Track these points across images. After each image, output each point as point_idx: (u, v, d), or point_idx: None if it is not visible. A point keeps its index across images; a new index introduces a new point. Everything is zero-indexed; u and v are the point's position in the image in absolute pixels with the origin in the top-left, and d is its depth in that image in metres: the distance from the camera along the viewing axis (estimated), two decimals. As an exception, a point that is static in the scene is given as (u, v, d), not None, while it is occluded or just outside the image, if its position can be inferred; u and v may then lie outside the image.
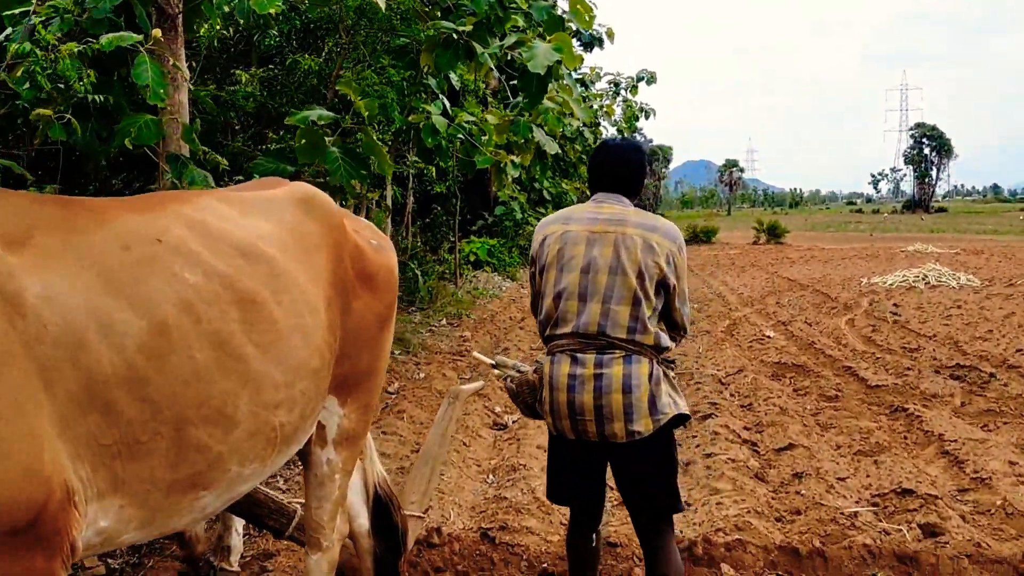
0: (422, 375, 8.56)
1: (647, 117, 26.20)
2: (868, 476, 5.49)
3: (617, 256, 2.92)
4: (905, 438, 6.49)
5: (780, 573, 3.88)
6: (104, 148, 6.34)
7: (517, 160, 9.65)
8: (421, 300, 12.64)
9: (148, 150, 6.11)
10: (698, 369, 9.09)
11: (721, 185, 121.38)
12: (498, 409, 7.27)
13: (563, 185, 23.76)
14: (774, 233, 39.28)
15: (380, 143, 7.30)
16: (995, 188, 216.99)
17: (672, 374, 3.08)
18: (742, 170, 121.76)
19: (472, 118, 10.00)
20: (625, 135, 33.69)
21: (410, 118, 9.90)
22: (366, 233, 2.75)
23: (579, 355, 2.93)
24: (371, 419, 2.85)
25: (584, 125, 21.69)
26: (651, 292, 2.92)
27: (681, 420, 3.06)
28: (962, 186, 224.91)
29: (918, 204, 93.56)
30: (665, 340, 2.99)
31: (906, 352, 10.14)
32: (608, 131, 30.07)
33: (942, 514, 4.62)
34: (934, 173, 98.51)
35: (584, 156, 24.17)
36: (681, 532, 4.54)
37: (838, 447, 6.19)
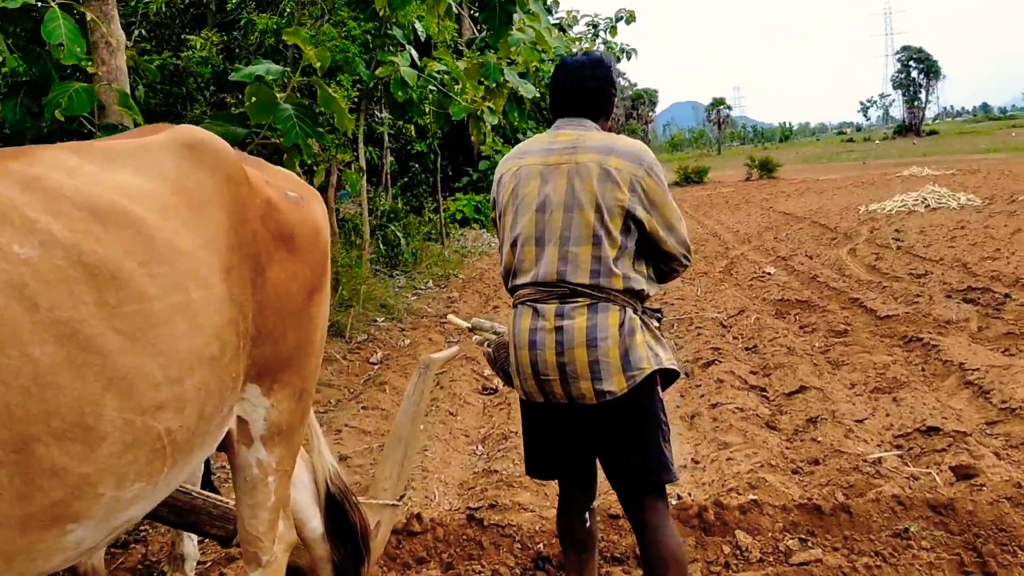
0: (407, 342, 8.11)
1: (628, 58, 25.49)
2: (888, 416, 5.06)
3: (571, 189, 2.49)
4: (923, 370, 6.06)
5: (802, 536, 3.45)
6: (36, 124, 5.81)
7: (493, 106, 9.14)
8: (405, 263, 12.15)
9: (84, 121, 5.60)
10: (698, 313, 8.64)
11: (709, 125, 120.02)
12: (487, 372, 6.82)
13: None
14: (766, 168, 38.72)
15: (339, 98, 6.76)
16: (985, 107, 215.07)
17: (655, 324, 2.61)
18: (729, 108, 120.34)
19: (443, 67, 9.45)
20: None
21: (377, 72, 9.35)
22: (281, 183, 2.26)
23: (539, 306, 2.52)
24: (309, 406, 2.39)
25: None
26: (614, 228, 2.46)
27: (669, 377, 2.60)
28: (952, 107, 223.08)
29: (909, 128, 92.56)
30: (640, 283, 2.52)
31: (914, 278, 9.69)
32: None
33: (974, 452, 4.20)
34: (923, 96, 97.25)
35: (566, 102, 23.54)
36: (690, 495, 4.13)
37: (852, 386, 5.76)
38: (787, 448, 4.74)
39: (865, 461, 4.24)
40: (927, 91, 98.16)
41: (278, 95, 6.11)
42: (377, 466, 3.34)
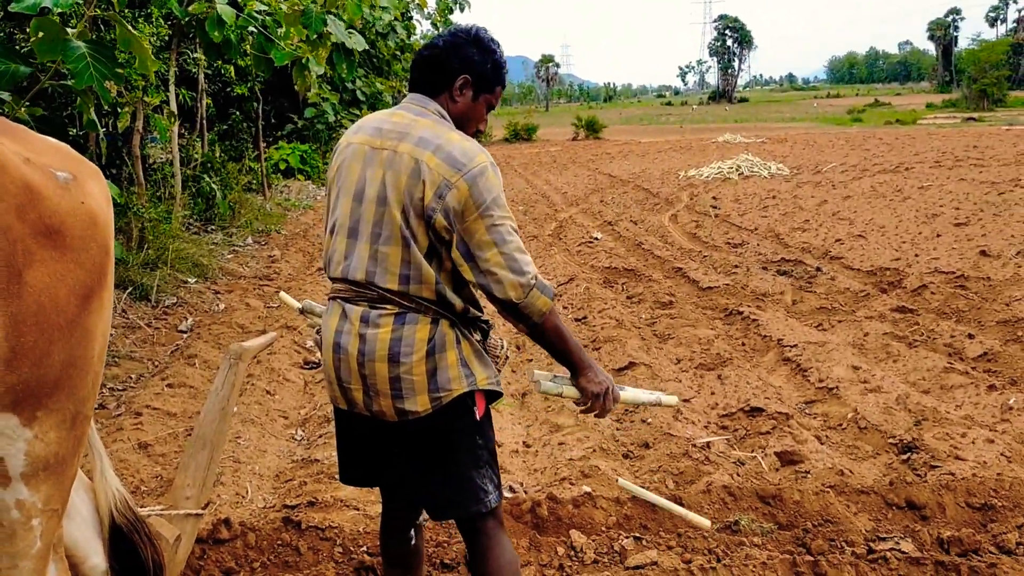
0: (222, 306, 7.52)
1: (462, 9, 25.07)
2: (714, 394, 5.12)
3: (384, 181, 2.18)
4: (743, 344, 6.21)
5: (636, 533, 3.36)
6: None
7: (322, 55, 8.56)
8: (221, 217, 11.34)
9: None
10: (528, 280, 8.54)
11: (538, 81, 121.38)
12: (310, 343, 6.41)
13: (377, 85, 22.34)
14: (592, 128, 39.56)
15: (142, 35, 6.03)
16: (790, 77, 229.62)
17: (477, 337, 2.30)
18: (558, 65, 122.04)
19: (265, 7, 8.74)
20: (440, 28, 32.31)
21: (191, 8, 8.53)
22: (47, 160, 1.81)
23: (348, 306, 2.23)
24: (85, 431, 1.98)
25: (396, 19, 20.33)
26: (419, 232, 2.15)
27: (490, 397, 2.33)
28: (761, 76, 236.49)
29: (722, 95, 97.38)
30: (455, 298, 2.21)
31: (731, 248, 10.03)
32: (421, 25, 28.49)
33: (797, 436, 4.28)
34: (736, 64, 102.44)
35: (398, 53, 22.82)
36: (523, 485, 3.97)
37: (679, 361, 5.81)
38: (618, 429, 4.69)
39: (694, 446, 4.23)
40: (740, 59, 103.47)
41: (71, 30, 5.37)
42: (178, 471, 2.94)
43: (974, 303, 6.80)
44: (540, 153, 30.68)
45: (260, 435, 4.60)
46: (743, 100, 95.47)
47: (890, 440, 4.25)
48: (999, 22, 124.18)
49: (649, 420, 4.69)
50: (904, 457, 4.06)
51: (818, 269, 8.37)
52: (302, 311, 2.86)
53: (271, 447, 4.51)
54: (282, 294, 3.44)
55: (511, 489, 3.88)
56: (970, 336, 5.89)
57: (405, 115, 2.28)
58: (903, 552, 3.09)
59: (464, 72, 2.28)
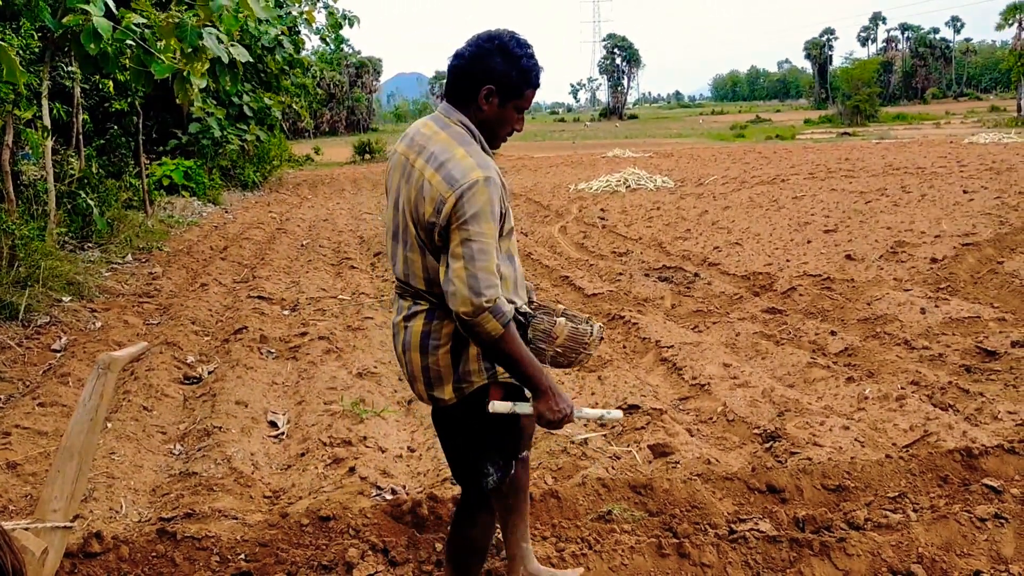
0: (98, 324, 7.28)
1: (351, 25, 24.94)
2: (594, 394, 5.28)
3: (405, 194, 2.39)
4: (624, 346, 6.42)
5: (514, 527, 3.45)
6: None
7: (199, 68, 8.41)
8: (99, 234, 10.96)
9: None
10: (417, 291, 8.59)
11: (433, 98, 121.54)
12: (191, 359, 6.29)
13: (266, 99, 21.98)
14: (486, 144, 39.79)
15: (8, 47, 5.84)
16: (677, 95, 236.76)
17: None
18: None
19: (144, 20, 8.54)
20: (330, 44, 31.96)
21: (65, 20, 8.26)
22: None
23: (400, 301, 2.51)
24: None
25: (283, 34, 20.08)
26: (428, 241, 2.33)
27: (513, 392, 2.43)
28: (650, 93, 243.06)
29: (613, 112, 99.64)
30: None
31: (616, 257, 10.33)
32: (311, 40, 28.19)
33: (669, 430, 4.47)
34: (625, 82, 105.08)
35: (287, 68, 22.51)
36: (404, 488, 4.02)
37: (562, 365, 5.96)
38: (501, 431, 4.77)
39: (573, 442, 4.37)
40: (629, 77, 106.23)
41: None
42: (44, 484, 2.87)
43: (838, 303, 7.22)
44: (434, 168, 30.70)
45: (136, 450, 4.50)
46: (633, 117, 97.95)
47: (755, 430, 4.49)
48: (870, 41, 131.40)
49: (531, 421, 4.80)
50: (767, 445, 4.30)
51: (696, 275, 8.72)
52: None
53: (148, 462, 4.41)
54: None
55: (393, 491, 3.92)
56: (833, 333, 6.26)
57: (432, 126, 2.42)
58: (761, 531, 3.28)
59: (488, 82, 2.34)
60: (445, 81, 2.45)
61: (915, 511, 3.46)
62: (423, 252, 2.34)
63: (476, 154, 2.31)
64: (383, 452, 4.49)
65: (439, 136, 2.37)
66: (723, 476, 3.83)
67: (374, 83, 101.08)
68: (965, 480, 3.74)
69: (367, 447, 4.51)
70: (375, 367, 5.94)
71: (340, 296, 8.54)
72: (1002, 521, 3.21)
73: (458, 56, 2.38)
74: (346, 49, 78.69)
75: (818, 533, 3.29)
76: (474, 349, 2.37)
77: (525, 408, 2.38)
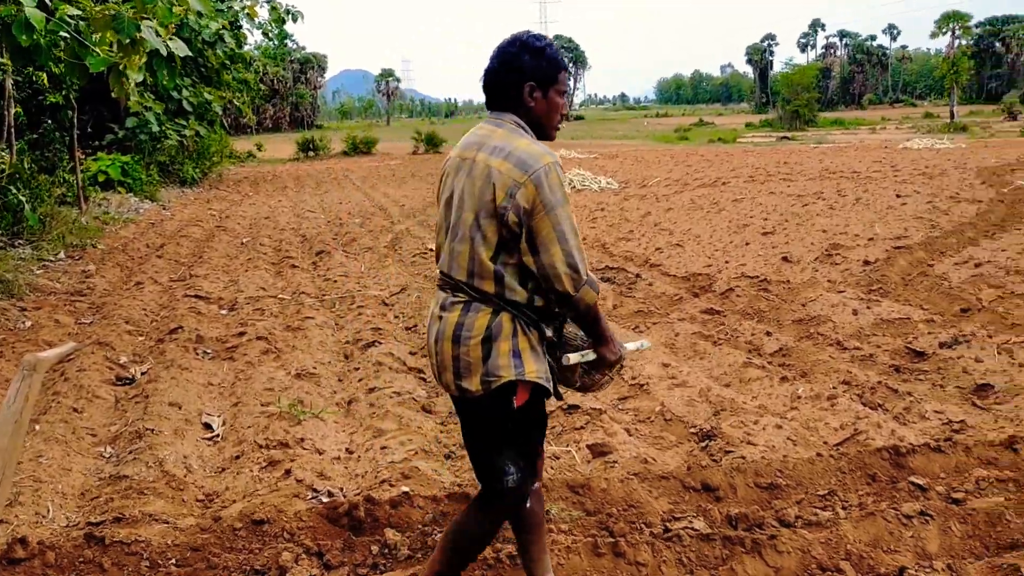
0: (27, 323, 7.07)
1: (295, 20, 24.64)
2: (535, 394, 5.29)
3: (463, 187, 2.52)
4: (566, 348, 6.44)
5: (451, 528, 3.45)
6: None
7: (137, 62, 8.22)
8: (30, 231, 10.65)
9: None
10: (360, 291, 8.52)
11: (379, 95, 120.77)
12: (123, 359, 6.15)
13: (206, 94, 21.57)
14: (432, 143, 39.83)
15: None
16: (623, 97, 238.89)
17: (549, 332, 2.56)
18: (399, 80, 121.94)
19: (78, 12, 8.31)
20: (273, 39, 31.54)
21: (-6, 11, 8.00)
22: None
23: (439, 292, 2.62)
24: None
25: (224, 28, 19.73)
26: (489, 232, 2.44)
27: (540, 391, 2.53)
28: (596, 95, 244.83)
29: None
30: (517, 294, 2.46)
31: (560, 257, 10.36)
32: (253, 35, 27.80)
33: (608, 430, 4.50)
34: (572, 83, 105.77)
35: (227, 62, 22.13)
36: (342, 490, 3.98)
37: (504, 365, 5.97)
38: (442, 432, 4.77)
39: (513, 443, 4.37)
40: (576, 79, 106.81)
41: None
42: (-36, 489, 2.77)
43: (774, 304, 7.36)
44: (380, 167, 30.53)
45: (65, 453, 4.38)
46: (579, 118, 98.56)
47: (691, 430, 4.56)
48: (809, 47, 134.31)
49: (471, 422, 4.80)
50: (703, 444, 4.36)
51: (638, 276, 8.80)
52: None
53: (77, 465, 4.30)
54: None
55: (329, 494, 3.88)
56: (768, 334, 6.37)
57: (487, 128, 2.57)
58: (695, 530, 3.32)
59: (527, 80, 2.52)
60: (486, 96, 2.61)
61: (844, 509, 3.54)
62: (472, 243, 2.45)
63: (537, 143, 2.50)
64: (320, 454, 4.44)
65: (497, 132, 2.53)
66: (660, 475, 3.88)
67: (319, 79, 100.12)
68: (893, 478, 3.84)
69: (304, 449, 4.46)
70: (314, 368, 5.87)
71: (280, 296, 8.43)
72: (927, 518, 3.30)
73: (490, 72, 2.57)
74: (290, 44, 77.52)
75: (750, 531, 3.34)
76: (505, 344, 2.45)
77: (590, 355, 2.62)
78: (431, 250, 11.09)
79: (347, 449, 4.57)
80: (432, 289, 8.50)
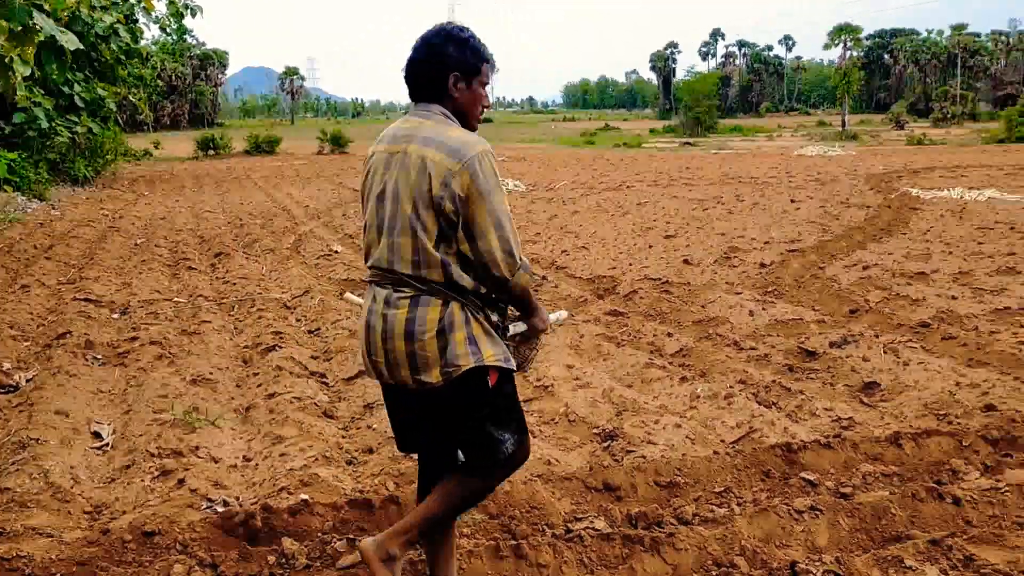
0: (-101, 330, 6.65)
1: (193, 15, 23.91)
2: (439, 397, 5.27)
3: (397, 180, 2.52)
4: (471, 350, 6.43)
5: (352, 535, 3.39)
6: None
7: (28, 52, 7.84)
8: (-98, 231, 10.02)
9: None
10: (261, 294, 8.32)
11: (283, 94, 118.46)
12: (7, 366, 5.84)
13: (99, 90, 20.73)
14: (338, 143, 39.27)
15: None
16: (531, 100, 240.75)
17: (495, 318, 2.62)
18: (303, 79, 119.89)
19: (-43, -1, 7.87)
20: (173, 35, 30.53)
21: None
22: None
23: (377, 289, 2.59)
24: None
25: (119, 22, 19.01)
26: (429, 222, 2.46)
27: (505, 374, 2.60)
28: (504, 98, 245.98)
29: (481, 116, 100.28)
30: (464, 278, 2.49)
31: (467, 260, 10.35)
32: (150, 29, 26.87)
33: (512, 432, 4.50)
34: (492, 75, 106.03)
35: (122, 57, 21.33)
36: (239, 499, 3.86)
37: (408, 368, 5.92)
38: (343, 437, 4.69)
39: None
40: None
41: None
42: None
43: (675, 306, 7.52)
44: (283, 167, 29.93)
45: (-62, 467, 4.13)
46: (487, 120, 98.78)
47: (594, 430, 4.61)
48: (710, 56, 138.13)
49: (375, 426, 4.74)
50: (605, 445, 4.41)
51: (544, 278, 8.87)
52: None
53: (-49, 480, 4.05)
54: (347, 294, 3.53)
55: (224, 503, 3.77)
56: (670, 335, 6.51)
57: (413, 120, 2.58)
58: (596, 530, 3.36)
59: (451, 70, 2.55)
60: (407, 84, 2.63)
61: (739, 505, 3.64)
62: (414, 234, 2.45)
63: (467, 132, 2.54)
64: (216, 462, 4.31)
65: (427, 124, 2.54)
66: (563, 476, 3.91)
67: (219, 76, 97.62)
68: (785, 474, 3.96)
69: (199, 457, 4.32)
70: (211, 373, 5.70)
71: (176, 299, 8.15)
72: (817, 513, 3.42)
73: (413, 62, 2.59)
74: (189, 40, 75.33)
75: (650, 529, 3.40)
76: (460, 334, 2.48)
77: (521, 327, 2.74)
78: (336, 252, 10.93)
79: (244, 457, 4.45)
80: (335, 292, 8.38)
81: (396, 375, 2.54)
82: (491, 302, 2.60)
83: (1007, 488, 3.58)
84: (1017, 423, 4.37)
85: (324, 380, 5.69)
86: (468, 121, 2.63)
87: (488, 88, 2.72)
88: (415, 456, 4.23)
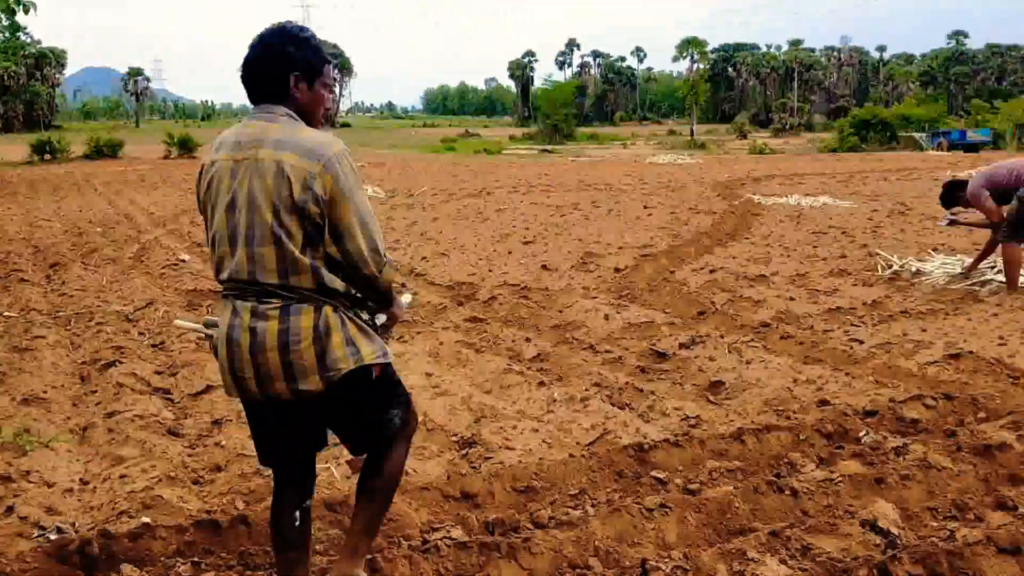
0: None
1: (27, 11, 22.47)
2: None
3: (252, 188, 2.41)
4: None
5: (196, 558, 3.24)
6: None
7: None
8: None
9: None
10: (100, 306, 7.86)
11: (127, 95, 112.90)
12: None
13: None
14: (186, 147, 37.85)
15: None
16: (391, 106, 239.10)
17: (365, 316, 2.61)
18: (148, 80, 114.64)
19: None
20: (4, 32, 28.52)
21: None
22: None
23: (238, 303, 2.48)
24: None
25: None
26: (293, 228, 2.39)
27: (385, 365, 2.64)
28: (363, 103, 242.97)
29: (325, 120, 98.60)
30: (335, 281, 2.47)
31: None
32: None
33: (368, 443, 4.43)
34: (338, 90, 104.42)
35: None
36: (75, 526, 3.62)
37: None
38: (189, 456, 4.48)
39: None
40: (341, 86, 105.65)
41: None
42: None
43: (534, 311, 7.61)
44: (127, 171, 28.49)
45: None
46: (345, 125, 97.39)
47: (453, 438, 4.60)
48: (567, 65, 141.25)
49: (224, 443, 4.56)
50: (463, 452, 4.41)
51: (403, 286, 8.80)
52: (207, 325, 2.81)
53: None
54: (177, 321, 3.35)
55: (59, 530, 3.52)
56: (528, 340, 6.58)
57: (257, 124, 2.47)
58: (453, 539, 3.33)
59: (292, 71, 2.49)
60: (245, 87, 2.54)
61: (593, 506, 3.70)
62: (278, 242, 2.38)
63: (319, 132, 2.51)
64: (50, 487, 4.03)
65: (272, 127, 2.46)
66: (420, 486, 3.86)
67: (57, 76, 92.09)
68: (637, 473, 4.07)
69: (30, 482, 4.03)
70: (45, 392, 5.33)
71: (6, 313, 7.59)
72: (667, 510, 3.52)
73: (252, 61, 2.51)
74: (23, 37, 70.62)
75: (506, 535, 3.40)
76: (337, 337, 2.46)
77: (382, 318, 2.76)
78: (184, 261, 10.48)
79: (82, 480, 4.17)
80: (182, 303, 8.03)
81: (269, 388, 2.48)
82: (359, 301, 2.60)
83: (840, 479, 3.80)
84: (848, 416, 4.66)
85: (169, 396, 5.43)
86: (311, 123, 2.57)
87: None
88: (267, 472, 4.11)
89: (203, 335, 2.91)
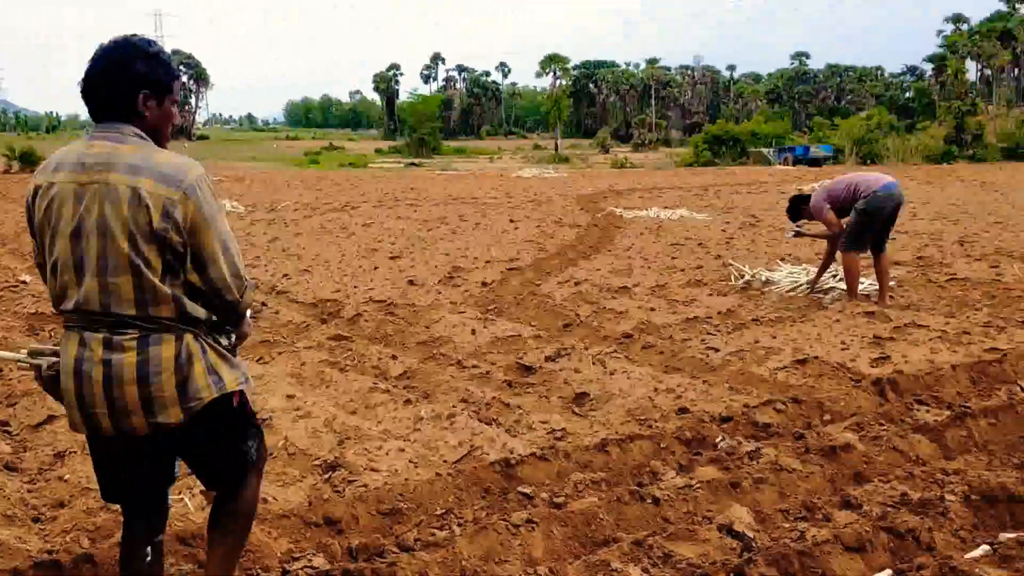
0: None
1: None
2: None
3: (104, 215, 2.27)
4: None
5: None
6: None
7: None
8: None
9: None
10: (-74, 333, 7.24)
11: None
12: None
13: None
14: (29, 160, 35.64)
15: None
16: (251, 118, 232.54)
17: (225, 341, 2.55)
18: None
19: None
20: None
21: None
22: None
23: (86, 334, 2.34)
24: None
25: None
26: (152, 256, 2.29)
27: (243, 399, 2.60)
28: (221, 114, 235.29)
29: (181, 132, 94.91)
30: (197, 309, 2.39)
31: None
32: None
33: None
34: (193, 101, 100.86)
35: None
36: None
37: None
38: (29, 492, 4.17)
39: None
40: (198, 97, 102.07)
41: None
42: None
43: (400, 327, 7.53)
44: (-40, 186, 26.48)
45: None
46: (203, 138, 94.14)
47: (315, 462, 4.46)
48: (432, 79, 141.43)
49: (67, 477, 4.27)
50: (326, 476, 4.28)
51: (264, 304, 8.53)
52: (30, 355, 2.61)
53: None
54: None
55: None
56: (394, 357, 6.50)
57: (104, 144, 2.32)
58: (315, 567, 3.24)
59: (141, 89, 2.36)
60: (89, 106, 2.41)
61: (460, 525, 3.67)
62: (136, 272, 2.28)
63: (174, 154, 2.39)
64: None
65: (123, 149, 2.33)
66: (280, 514, 3.73)
67: None
68: (504, 489, 4.06)
69: None
70: None
71: None
72: (533, 525, 3.53)
73: (95, 75, 2.37)
74: None
75: (371, 561, 3.33)
76: (198, 366, 2.38)
77: (233, 338, 2.66)
78: (25, 282, 9.81)
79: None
80: (21, 328, 7.51)
81: (123, 424, 2.36)
82: (217, 325, 2.52)
83: (698, 485, 3.91)
84: (706, 423, 4.82)
85: (7, 428, 5.04)
86: (159, 141, 2.45)
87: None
88: (114, 507, 3.87)
89: (27, 366, 2.71)
